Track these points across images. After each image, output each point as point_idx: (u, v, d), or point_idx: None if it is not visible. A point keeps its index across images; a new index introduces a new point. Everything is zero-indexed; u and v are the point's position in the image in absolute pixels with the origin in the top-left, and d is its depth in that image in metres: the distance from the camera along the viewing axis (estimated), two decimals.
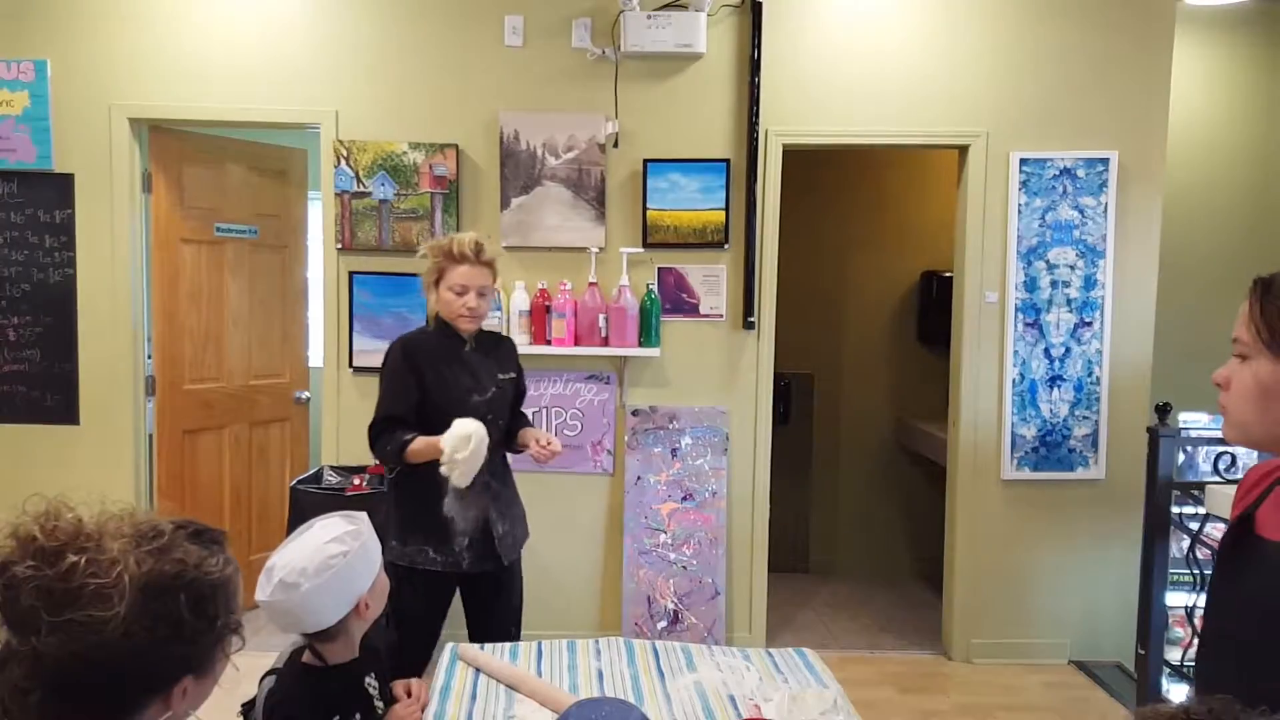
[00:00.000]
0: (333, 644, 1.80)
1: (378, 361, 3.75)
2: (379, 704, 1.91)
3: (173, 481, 4.02)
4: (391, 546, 2.65)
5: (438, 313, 2.71)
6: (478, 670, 2.21)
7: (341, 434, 3.85)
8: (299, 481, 3.57)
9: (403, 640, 2.69)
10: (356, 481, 3.55)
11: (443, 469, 2.49)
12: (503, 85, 3.77)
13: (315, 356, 4.39)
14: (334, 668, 1.82)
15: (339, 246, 3.79)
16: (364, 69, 3.77)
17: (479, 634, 2.82)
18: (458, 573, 2.71)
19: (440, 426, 2.53)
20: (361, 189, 3.75)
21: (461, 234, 2.70)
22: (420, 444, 2.58)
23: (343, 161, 3.75)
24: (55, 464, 3.81)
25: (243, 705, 1.90)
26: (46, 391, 3.83)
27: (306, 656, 1.83)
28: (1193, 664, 1.36)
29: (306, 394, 4.48)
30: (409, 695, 2.02)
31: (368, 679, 1.89)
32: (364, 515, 1.84)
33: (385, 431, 2.63)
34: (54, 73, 3.73)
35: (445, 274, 2.64)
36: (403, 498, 2.71)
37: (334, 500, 3.33)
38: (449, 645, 2.34)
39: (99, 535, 0.96)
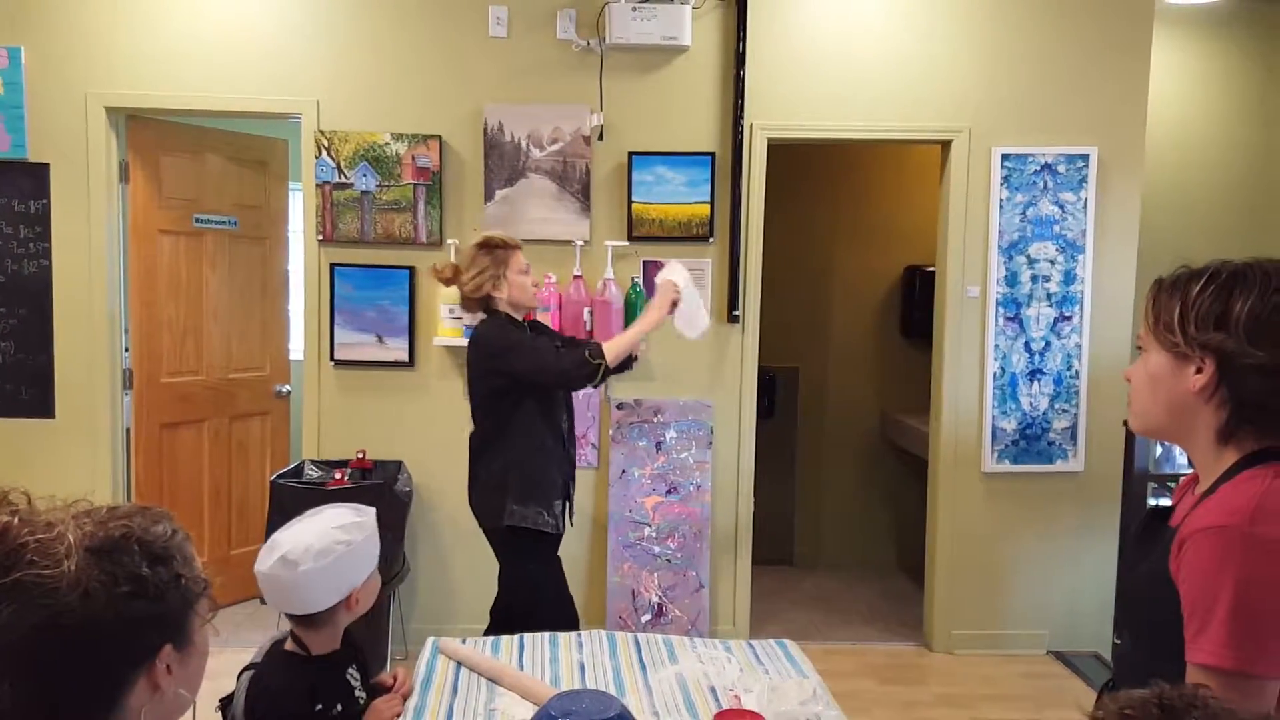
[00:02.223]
0: (318, 633, 1.81)
1: (359, 355, 3.79)
2: (360, 694, 1.91)
3: (151, 476, 3.98)
4: (513, 511, 2.80)
5: (499, 308, 2.88)
6: (459, 664, 2.20)
7: (323, 428, 3.83)
8: (279, 476, 3.54)
9: (550, 612, 2.83)
10: (338, 476, 3.53)
11: (678, 321, 2.89)
12: (487, 76, 3.75)
13: (296, 349, 4.35)
14: (317, 657, 1.82)
15: (320, 238, 3.76)
16: (346, 58, 3.74)
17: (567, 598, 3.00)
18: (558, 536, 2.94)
19: (539, 406, 2.81)
20: (343, 180, 3.73)
21: (483, 234, 2.98)
22: (624, 337, 2.88)
23: (324, 152, 3.72)
24: (30, 458, 3.76)
25: (221, 700, 1.89)
26: (21, 385, 3.78)
27: (289, 645, 1.84)
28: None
29: (287, 387, 4.44)
30: (395, 680, 2.03)
31: (349, 670, 1.89)
32: (372, 510, 1.88)
33: (563, 356, 2.81)
34: (29, 60, 3.68)
35: (508, 263, 2.87)
36: (537, 463, 2.85)
37: (315, 495, 3.31)
38: (430, 639, 2.34)
39: (28, 502, 0.93)
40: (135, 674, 0.94)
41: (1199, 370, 1.19)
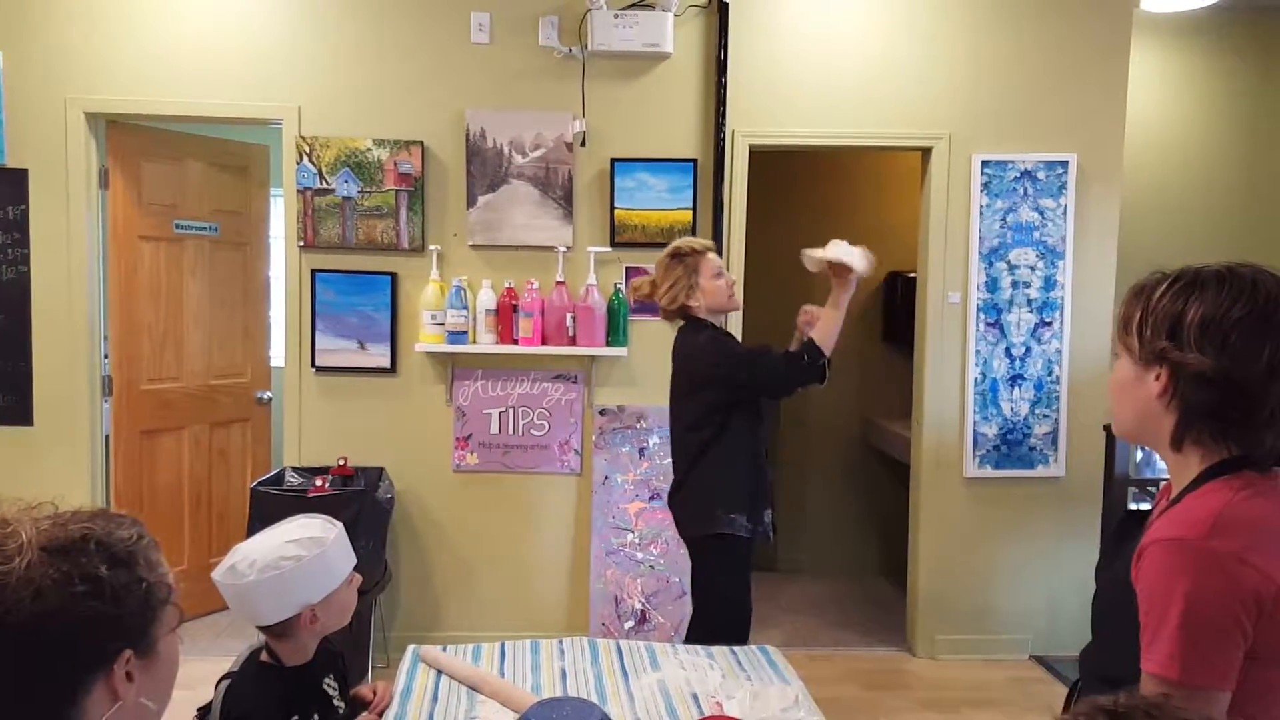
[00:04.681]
0: (282, 643, 1.80)
1: (340, 361, 3.77)
2: (339, 704, 1.90)
3: (130, 483, 3.95)
4: (728, 519, 2.77)
5: (699, 315, 2.86)
6: (439, 672, 2.19)
7: (304, 434, 3.81)
8: (260, 483, 3.52)
9: (736, 616, 2.83)
10: (319, 483, 3.51)
11: (856, 261, 2.83)
12: (469, 82, 3.75)
13: (277, 356, 4.33)
14: (290, 668, 1.81)
15: (301, 244, 3.75)
16: (328, 64, 3.73)
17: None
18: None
19: (747, 417, 2.81)
20: (325, 186, 3.71)
21: (675, 242, 2.93)
22: (822, 324, 2.82)
23: (305, 158, 3.70)
24: (8, 466, 3.72)
25: (199, 710, 1.88)
26: None
27: (264, 656, 1.82)
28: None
29: (268, 394, 4.42)
30: (374, 695, 2.01)
31: (326, 680, 1.88)
32: (339, 526, 1.83)
33: (784, 359, 2.80)
34: (7, 65, 3.65)
35: (700, 267, 2.85)
36: (749, 474, 2.83)
37: (296, 502, 3.29)
38: (410, 647, 2.33)
39: None
40: (92, 679, 0.91)
41: (1158, 377, 1.18)
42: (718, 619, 2.81)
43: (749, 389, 2.81)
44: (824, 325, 2.83)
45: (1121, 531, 1.36)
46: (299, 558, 1.72)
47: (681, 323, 2.94)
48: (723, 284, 2.89)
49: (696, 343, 2.85)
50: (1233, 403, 1.14)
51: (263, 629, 1.79)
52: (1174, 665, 1.08)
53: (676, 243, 2.94)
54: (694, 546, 2.91)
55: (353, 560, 1.85)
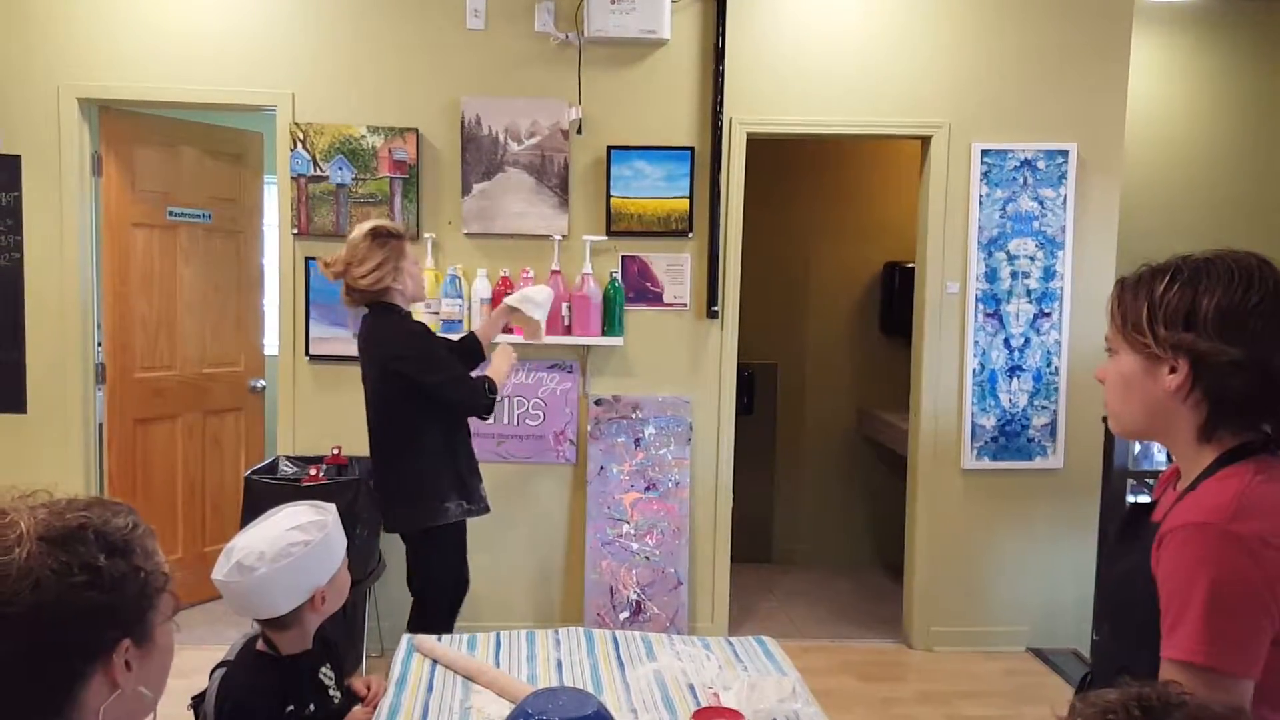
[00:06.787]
0: (285, 633, 1.78)
1: (335, 350, 3.75)
2: (335, 693, 1.88)
3: (124, 472, 3.92)
4: (453, 508, 2.84)
5: (395, 301, 2.82)
6: (434, 662, 2.18)
7: (298, 423, 3.78)
8: (254, 472, 3.50)
9: (457, 596, 2.99)
10: (313, 472, 3.49)
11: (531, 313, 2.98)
12: (464, 69, 3.72)
13: (271, 344, 4.31)
14: (287, 658, 1.79)
15: (295, 231, 3.72)
16: (322, 50, 3.69)
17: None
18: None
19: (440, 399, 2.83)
20: (318, 173, 3.68)
21: (369, 223, 2.84)
22: (494, 367, 2.92)
23: (299, 145, 3.67)
24: (2, 454, 3.70)
25: (193, 698, 1.86)
26: None
27: (260, 645, 1.81)
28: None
29: (262, 382, 4.40)
30: (369, 690, 2.00)
31: (322, 669, 1.87)
32: (332, 507, 1.83)
33: (466, 383, 2.84)
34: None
35: (405, 251, 2.82)
36: (457, 456, 2.89)
37: (290, 491, 3.27)
38: (405, 636, 2.31)
39: None
40: (91, 668, 0.91)
41: (1172, 370, 1.17)
42: (439, 601, 2.89)
43: (432, 392, 2.77)
44: (502, 369, 2.94)
45: (1128, 524, 1.34)
46: (308, 542, 1.71)
47: (365, 308, 2.84)
48: (418, 271, 2.89)
49: (396, 329, 2.79)
50: (1264, 388, 1.13)
51: (268, 621, 1.76)
52: (1200, 651, 1.07)
53: (377, 223, 2.84)
54: (414, 540, 2.91)
55: (345, 539, 1.85)
